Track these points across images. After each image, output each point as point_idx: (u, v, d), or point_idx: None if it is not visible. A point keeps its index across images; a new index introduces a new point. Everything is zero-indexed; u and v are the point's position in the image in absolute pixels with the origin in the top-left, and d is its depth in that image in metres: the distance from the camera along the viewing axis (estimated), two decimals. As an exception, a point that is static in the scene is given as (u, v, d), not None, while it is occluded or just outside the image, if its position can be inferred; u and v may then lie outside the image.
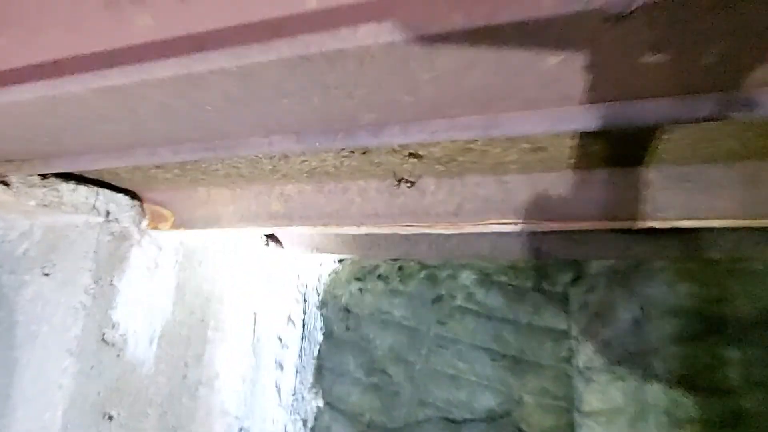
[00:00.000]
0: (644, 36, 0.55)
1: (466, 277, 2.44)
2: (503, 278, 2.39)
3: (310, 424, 2.66)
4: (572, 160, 1.28)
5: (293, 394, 2.59)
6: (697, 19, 0.52)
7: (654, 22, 0.52)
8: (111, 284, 1.77)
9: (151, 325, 1.92)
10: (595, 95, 0.72)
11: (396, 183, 1.37)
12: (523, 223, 1.40)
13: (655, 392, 1.96)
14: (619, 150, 1.21)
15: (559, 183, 1.35)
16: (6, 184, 1.45)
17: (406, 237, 2.18)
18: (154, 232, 1.91)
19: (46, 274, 1.74)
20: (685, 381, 1.95)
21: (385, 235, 2.23)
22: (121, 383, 1.81)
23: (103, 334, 1.74)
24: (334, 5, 0.57)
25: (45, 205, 1.56)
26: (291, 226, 1.64)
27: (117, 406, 1.78)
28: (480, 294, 2.41)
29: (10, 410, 1.60)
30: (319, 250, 2.39)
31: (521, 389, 2.24)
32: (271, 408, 2.46)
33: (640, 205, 1.30)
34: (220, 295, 2.24)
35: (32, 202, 1.52)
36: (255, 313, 2.37)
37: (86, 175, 1.67)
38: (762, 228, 1.47)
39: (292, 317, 2.58)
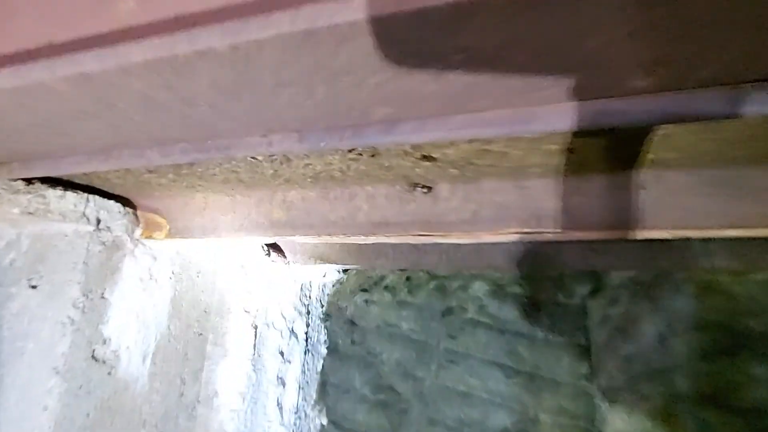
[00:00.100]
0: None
1: (478, 288, 2.33)
2: (517, 289, 2.27)
3: (313, 443, 2.53)
4: (601, 163, 1.17)
5: (296, 412, 2.47)
6: None
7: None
8: (102, 297, 1.66)
9: (146, 341, 1.81)
10: (654, 82, 0.61)
11: (410, 188, 1.26)
12: (545, 232, 1.29)
13: (682, 412, 1.83)
14: (652, 151, 1.10)
15: (585, 188, 1.24)
16: (-13, 190, 1.35)
17: (416, 246, 2.06)
18: (148, 242, 1.80)
19: (33, 287, 1.64)
20: (714, 400, 1.82)
21: (393, 245, 2.12)
22: (113, 403, 1.69)
23: (93, 351, 1.63)
24: (345, -32, 0.47)
25: (30, 213, 1.46)
26: (294, 235, 1.53)
27: (108, 427, 1.67)
28: (493, 306, 2.29)
29: (-10, 434, 1.49)
30: (323, 260, 2.27)
31: (537, 408, 2.11)
32: (272, 427, 2.34)
33: (674, 213, 1.19)
34: (219, 308, 2.13)
35: (16, 210, 1.42)
36: (256, 326, 2.26)
37: (75, 181, 1.56)
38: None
39: (294, 330, 2.46)
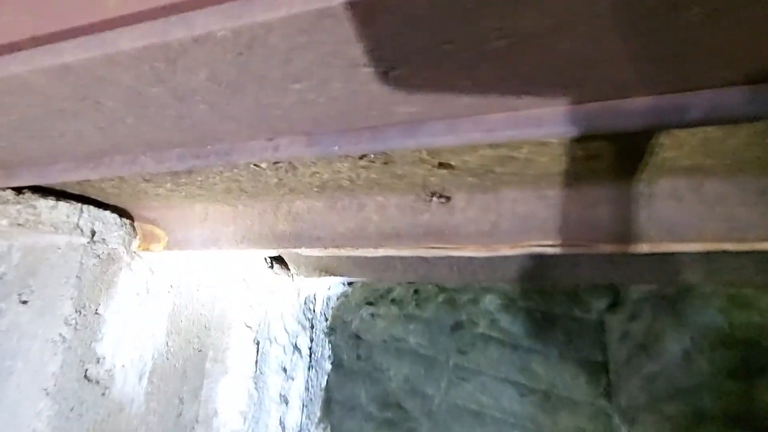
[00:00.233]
0: None
1: (489, 302, 2.23)
2: (530, 303, 2.17)
3: (317, 464, 2.42)
4: (632, 170, 1.08)
5: (299, 431, 2.36)
6: None
7: None
8: (96, 313, 1.57)
9: (142, 358, 1.72)
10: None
11: (427, 197, 1.17)
12: (570, 245, 1.20)
13: (709, 434, 1.73)
14: (689, 157, 1.01)
15: (613, 197, 1.15)
16: (-28, 200, 1.27)
17: (425, 259, 1.97)
18: (145, 254, 1.71)
19: (24, 302, 1.55)
20: (742, 421, 1.72)
21: (402, 257, 2.02)
22: (107, 426, 1.59)
23: (86, 370, 1.54)
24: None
25: (20, 225, 1.37)
26: (299, 248, 1.44)
27: (101, 452, 1.57)
28: (505, 320, 2.19)
29: (-26, 462, 1.39)
30: (328, 272, 2.18)
31: (553, 428, 2.01)
32: (274, 447, 2.23)
33: (712, 225, 1.09)
34: (220, 322, 2.03)
35: (5, 221, 1.34)
36: (257, 342, 2.16)
37: (68, 190, 1.48)
38: None
39: (298, 345, 2.36)
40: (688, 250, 1.19)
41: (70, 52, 0.52)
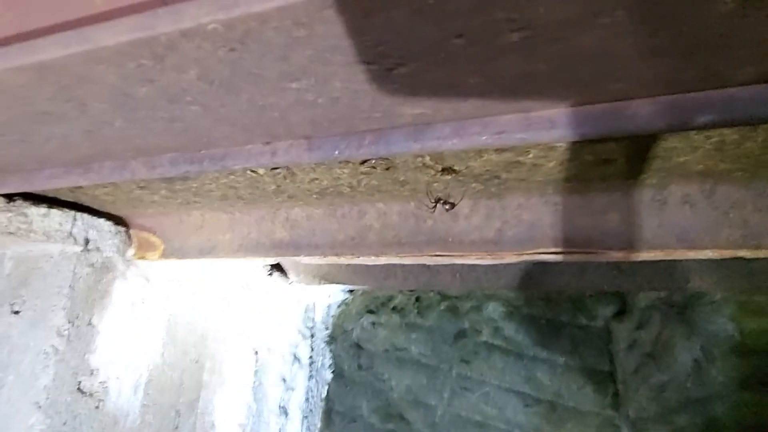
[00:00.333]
0: None
1: (493, 310, 2.18)
2: (535, 311, 2.13)
3: (317, 476, 2.37)
4: (642, 175, 1.04)
5: (299, 443, 2.31)
6: None
7: None
8: (89, 324, 1.53)
9: (137, 370, 1.67)
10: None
11: (431, 204, 1.13)
12: (578, 253, 1.16)
13: (720, 446, 1.68)
14: (701, 161, 0.98)
15: (624, 204, 1.11)
16: (-39, 208, 1.23)
17: (427, 266, 1.93)
18: (141, 263, 1.67)
19: (16, 312, 1.50)
20: (754, 432, 1.67)
21: (403, 264, 1.98)
22: (100, 440, 1.55)
23: (79, 383, 1.49)
24: None
25: (11, 233, 1.33)
26: (298, 256, 1.40)
27: (94, 467, 1.52)
28: (509, 329, 2.14)
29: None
30: (328, 280, 2.14)
31: (559, 440, 1.96)
32: (274, 460, 2.18)
33: (727, 231, 1.06)
34: (217, 332, 1.99)
35: (-6, 230, 1.30)
36: (256, 352, 2.11)
37: (62, 198, 1.44)
38: None
39: (297, 355, 2.31)
40: (701, 258, 1.16)
41: (49, 49, 0.48)
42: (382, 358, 2.39)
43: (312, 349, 2.41)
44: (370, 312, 2.49)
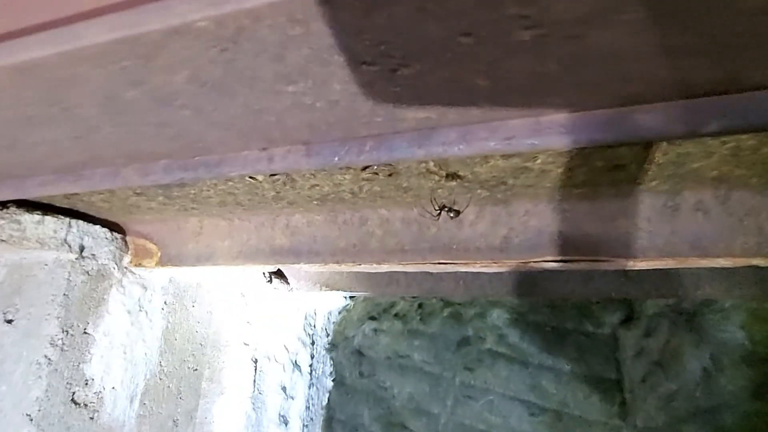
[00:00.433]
0: None
1: (497, 317, 2.14)
2: (540, 318, 2.09)
3: (318, 486, 2.33)
4: (654, 182, 1.00)
5: (299, 452, 2.27)
6: None
7: None
8: (84, 333, 1.49)
9: (134, 379, 1.63)
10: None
11: (435, 212, 1.09)
12: (587, 261, 1.12)
13: (731, 457, 1.64)
14: (715, 167, 0.94)
15: (635, 210, 1.07)
16: (-48, 215, 1.19)
17: (430, 273, 1.89)
18: (138, 270, 1.64)
19: (9, 321, 1.47)
20: (765, 443, 1.63)
21: (406, 271, 1.94)
22: (95, 452, 1.51)
23: (73, 394, 1.45)
24: None
25: (3, 240, 1.30)
26: (298, 263, 1.37)
27: (89, 481, 1.48)
28: (513, 336, 2.10)
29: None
30: (329, 286, 2.10)
31: (565, 450, 1.92)
32: (273, 470, 2.14)
33: (743, 239, 1.02)
34: (216, 340, 1.95)
35: (-14, 238, 1.27)
36: (255, 360, 2.07)
37: (56, 204, 1.41)
38: None
39: (297, 362, 2.27)
40: (713, 266, 1.12)
41: (28, 49, 0.44)
42: (383, 365, 2.35)
43: (312, 357, 2.37)
44: (372, 318, 2.46)
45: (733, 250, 1.02)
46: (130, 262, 1.60)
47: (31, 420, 1.35)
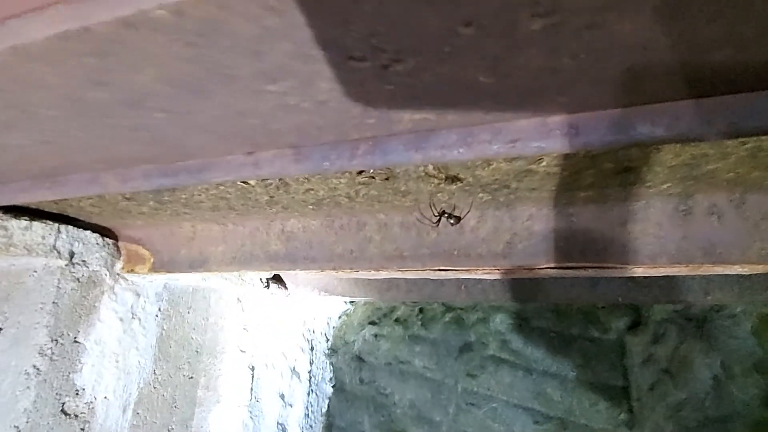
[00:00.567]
0: None
1: (500, 322, 2.09)
2: (544, 323, 2.03)
3: (318, 495, 2.28)
4: (665, 184, 0.95)
5: (298, 461, 2.22)
6: None
7: None
8: (75, 341, 1.45)
9: (127, 388, 1.59)
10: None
11: (434, 218, 1.04)
12: (594, 267, 1.07)
13: (742, 468, 1.58)
14: (731, 169, 0.89)
15: (645, 215, 1.02)
16: (-66, 222, 1.15)
17: (432, 278, 1.84)
18: (131, 276, 1.59)
19: (-3, 330, 1.42)
20: (778, 453, 1.57)
21: (406, 276, 1.90)
22: (86, 464, 1.46)
23: (63, 405, 1.41)
24: None
25: (-11, 247, 1.26)
26: (294, 269, 1.32)
27: (79, 494, 1.44)
28: (517, 342, 2.05)
29: None
30: (328, 291, 2.05)
31: (571, 459, 1.86)
32: (272, 479, 2.09)
33: (758, 244, 0.97)
34: (212, 347, 1.91)
35: (-30, 244, 1.22)
36: (252, 367, 2.03)
37: (45, 209, 1.36)
38: None
39: (296, 369, 2.23)
40: (727, 273, 1.07)
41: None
42: (384, 371, 2.30)
43: (312, 363, 2.32)
44: (372, 323, 2.41)
45: (750, 257, 0.97)
46: (123, 268, 1.56)
47: (19, 432, 1.31)
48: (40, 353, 1.36)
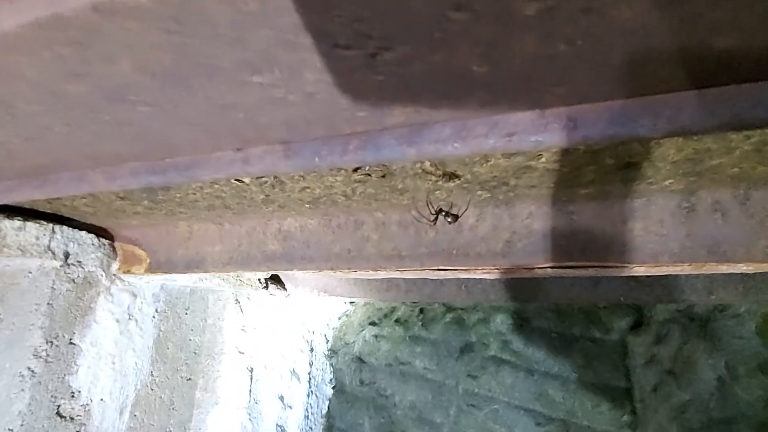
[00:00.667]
0: None
1: (501, 322, 2.07)
2: (545, 323, 2.01)
3: (318, 497, 2.26)
4: (668, 181, 0.93)
5: (298, 463, 2.20)
6: None
7: None
8: (70, 343, 1.43)
9: (123, 390, 1.57)
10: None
11: (431, 216, 1.03)
12: (595, 266, 1.05)
13: (747, 470, 1.56)
14: (737, 164, 0.87)
15: (646, 212, 1.00)
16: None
17: (432, 277, 1.82)
18: (127, 277, 1.58)
19: (-8, 332, 1.41)
20: (783, 454, 1.55)
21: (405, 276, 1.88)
22: (82, 467, 1.45)
23: (58, 407, 1.39)
24: None
25: (-18, 248, 1.24)
26: (291, 270, 1.30)
27: (75, 498, 1.42)
28: (518, 342, 2.03)
29: None
30: (327, 292, 2.04)
31: (573, 461, 1.84)
32: (271, 482, 2.07)
33: (764, 242, 0.94)
34: (210, 348, 1.89)
35: (-37, 245, 1.21)
36: (251, 369, 2.01)
37: (39, 209, 1.35)
38: None
39: (296, 370, 2.21)
40: (731, 271, 1.05)
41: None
42: (384, 372, 2.28)
43: (311, 364, 2.30)
44: (373, 324, 2.39)
45: (755, 255, 0.95)
46: (119, 269, 1.54)
47: (13, 436, 1.29)
48: (34, 355, 1.35)
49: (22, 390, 1.32)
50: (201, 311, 1.86)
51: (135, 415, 1.60)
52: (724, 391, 1.60)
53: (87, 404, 1.46)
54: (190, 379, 1.81)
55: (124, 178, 0.68)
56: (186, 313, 1.81)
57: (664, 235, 0.99)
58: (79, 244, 1.45)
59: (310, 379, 2.27)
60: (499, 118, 0.49)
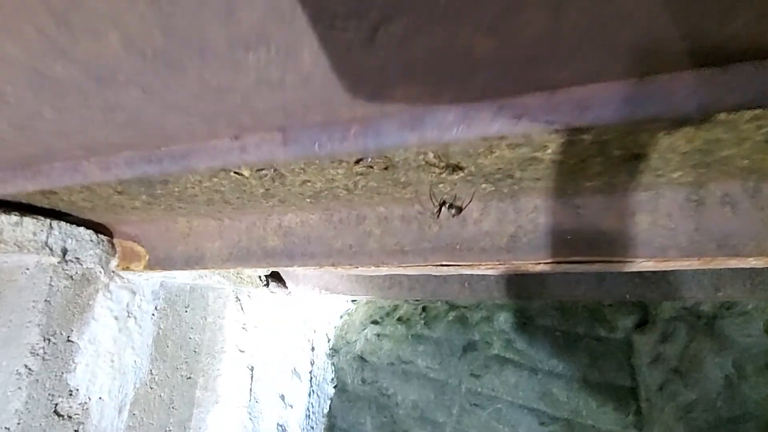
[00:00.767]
0: None
1: (504, 321, 2.05)
2: (549, 322, 1.99)
3: (319, 497, 2.24)
4: (676, 172, 0.91)
5: (299, 462, 2.18)
6: None
7: None
8: (68, 341, 1.41)
9: (122, 389, 1.55)
10: None
11: (435, 209, 1.00)
12: (602, 261, 1.03)
13: (755, 470, 1.53)
14: (747, 155, 0.84)
15: (654, 205, 0.98)
16: None
17: (435, 274, 1.80)
18: (126, 274, 1.56)
19: (-11, 329, 1.39)
20: (792, 454, 1.52)
21: (408, 273, 1.85)
22: (80, 466, 1.43)
23: (56, 406, 1.38)
24: None
25: (-22, 244, 1.23)
26: (292, 266, 1.28)
27: (73, 497, 1.40)
28: (521, 341, 2.01)
29: None
30: (329, 290, 2.02)
31: (578, 461, 1.82)
32: (272, 481, 2.05)
33: (775, 235, 0.92)
34: (210, 347, 1.87)
35: (-41, 241, 1.19)
36: (252, 367, 1.99)
37: (36, 204, 1.33)
38: None
39: (297, 369, 2.19)
40: (740, 266, 1.02)
41: None
42: (387, 371, 2.26)
43: (312, 363, 2.28)
44: (375, 323, 2.37)
45: (765, 249, 0.93)
46: (118, 265, 1.52)
47: (10, 434, 1.27)
48: (32, 353, 1.33)
49: (19, 388, 1.30)
50: (201, 309, 1.84)
51: (134, 414, 1.58)
52: (731, 390, 1.57)
53: (85, 403, 1.44)
54: (190, 377, 1.80)
55: (119, 168, 0.66)
56: (186, 311, 1.79)
57: (672, 229, 0.96)
58: (77, 240, 1.43)
59: (311, 378, 2.25)
60: (505, 101, 0.47)
